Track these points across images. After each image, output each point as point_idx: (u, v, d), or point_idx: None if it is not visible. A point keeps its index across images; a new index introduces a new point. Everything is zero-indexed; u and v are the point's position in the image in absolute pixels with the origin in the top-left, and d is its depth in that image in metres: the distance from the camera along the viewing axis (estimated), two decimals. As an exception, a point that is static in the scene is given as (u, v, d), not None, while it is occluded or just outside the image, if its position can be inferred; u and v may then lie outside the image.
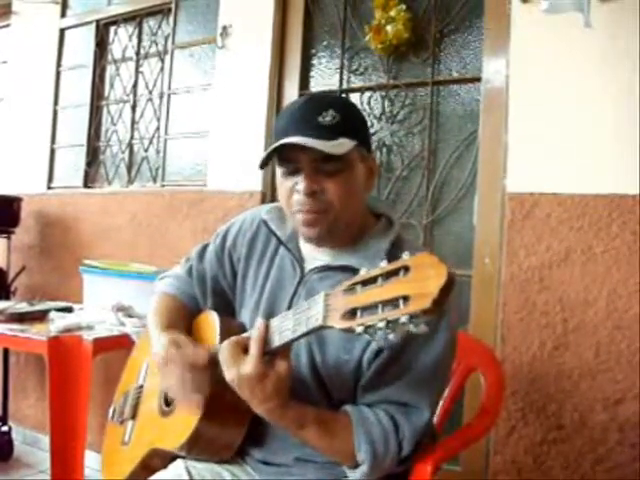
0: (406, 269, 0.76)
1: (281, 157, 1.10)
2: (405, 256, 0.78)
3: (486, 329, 1.93)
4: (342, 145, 1.05)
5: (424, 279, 0.74)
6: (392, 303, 0.75)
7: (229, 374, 0.98)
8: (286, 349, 0.98)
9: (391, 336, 0.77)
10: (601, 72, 1.77)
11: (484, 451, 1.90)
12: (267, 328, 0.98)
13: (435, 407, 1.15)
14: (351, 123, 1.11)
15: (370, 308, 0.78)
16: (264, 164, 1.12)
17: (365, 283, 0.81)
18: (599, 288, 1.74)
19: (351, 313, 0.81)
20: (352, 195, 1.11)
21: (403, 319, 0.74)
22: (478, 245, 1.99)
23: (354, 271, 1.08)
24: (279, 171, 1.14)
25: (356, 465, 1.06)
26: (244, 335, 1.03)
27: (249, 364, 0.96)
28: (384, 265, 0.79)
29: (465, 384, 1.61)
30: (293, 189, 1.10)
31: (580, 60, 1.80)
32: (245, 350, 0.98)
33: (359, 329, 0.79)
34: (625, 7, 1.73)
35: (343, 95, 2.39)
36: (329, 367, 1.11)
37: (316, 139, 1.04)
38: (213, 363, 1.09)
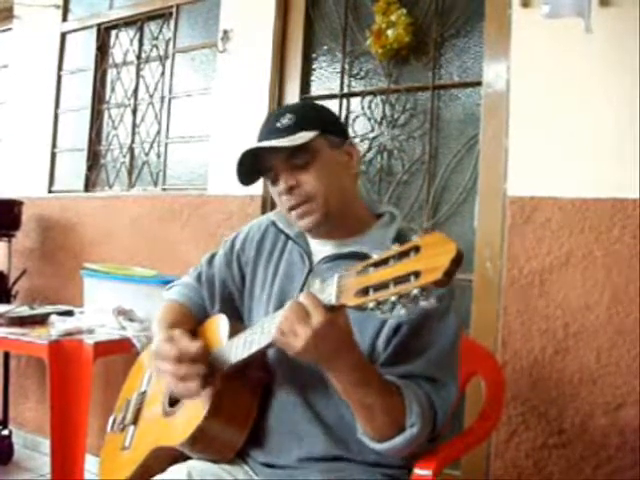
0: (417, 249, 0.78)
1: (260, 169, 1.20)
2: (415, 238, 0.80)
3: (487, 333, 1.93)
4: (301, 137, 1.13)
5: (435, 255, 0.75)
6: (403, 279, 0.77)
7: (303, 333, 0.91)
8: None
9: (402, 311, 0.78)
10: (602, 77, 1.77)
11: (485, 455, 1.89)
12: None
13: (457, 385, 1.15)
14: (308, 118, 1.19)
15: (382, 286, 0.80)
16: (247, 182, 1.22)
17: (377, 265, 0.83)
18: (600, 292, 1.74)
19: (364, 292, 0.83)
20: (331, 180, 1.17)
21: (415, 292, 0.75)
22: (479, 249, 1.99)
23: (363, 257, 1.10)
24: (268, 183, 1.23)
25: (395, 433, 1.03)
26: (292, 300, 0.97)
27: (319, 314, 0.90)
28: (396, 247, 0.81)
29: (466, 388, 1.61)
30: (279, 193, 1.19)
31: (580, 64, 1.80)
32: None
33: (371, 304, 0.81)
34: (625, 12, 1.73)
35: (343, 99, 2.40)
36: None
37: (274, 140, 1.13)
38: (215, 361, 1.12)
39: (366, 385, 1.00)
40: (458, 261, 0.74)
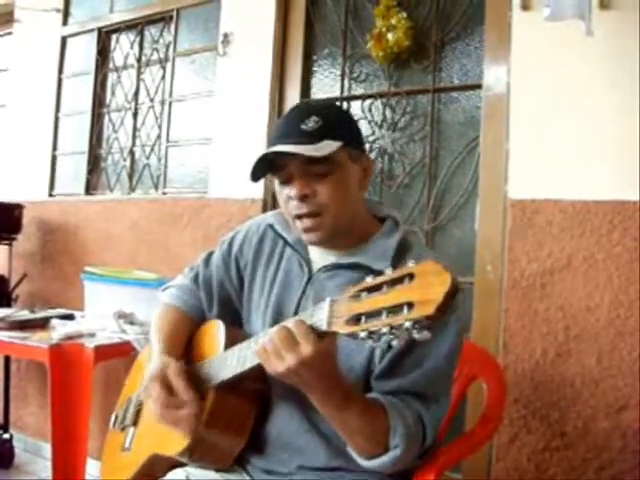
0: (411, 276, 0.77)
1: (273, 167, 1.14)
2: (410, 264, 0.78)
3: (488, 336, 1.93)
4: (326, 147, 1.08)
5: (428, 286, 0.74)
6: (396, 309, 0.76)
7: (288, 359, 0.91)
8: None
9: (394, 342, 0.77)
10: (602, 79, 1.77)
11: (486, 458, 1.89)
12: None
13: (450, 398, 1.15)
14: (335, 126, 1.13)
15: (374, 314, 0.79)
16: (257, 177, 1.16)
17: (370, 290, 0.82)
18: (601, 295, 1.74)
19: (355, 319, 0.81)
20: (346, 195, 1.13)
21: (407, 325, 0.74)
22: (480, 252, 1.99)
23: (363, 268, 1.09)
24: (276, 181, 1.17)
25: (380, 453, 1.03)
26: (280, 324, 0.96)
27: (309, 344, 0.89)
28: (389, 272, 0.80)
29: (467, 391, 1.61)
30: (288, 197, 1.13)
31: (581, 67, 1.80)
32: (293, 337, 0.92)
33: (363, 334, 0.79)
34: (626, 15, 1.74)
35: (344, 102, 2.40)
36: (340, 358, 1.08)
37: (299, 145, 1.07)
38: (210, 373, 1.13)
39: (345, 408, 0.99)
40: (452, 294, 0.73)
